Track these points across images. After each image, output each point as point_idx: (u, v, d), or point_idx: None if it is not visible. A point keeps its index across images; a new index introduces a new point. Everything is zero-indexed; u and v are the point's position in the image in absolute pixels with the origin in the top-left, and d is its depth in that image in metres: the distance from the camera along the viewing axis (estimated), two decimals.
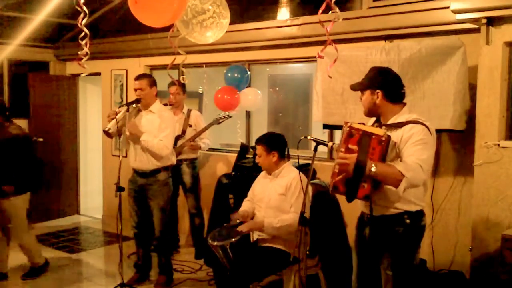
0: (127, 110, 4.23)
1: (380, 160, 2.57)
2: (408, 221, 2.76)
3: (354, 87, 2.92)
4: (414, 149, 2.61)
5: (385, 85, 2.79)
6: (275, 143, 3.81)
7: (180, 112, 5.35)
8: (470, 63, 3.68)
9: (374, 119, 2.91)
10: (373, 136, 2.56)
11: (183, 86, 5.28)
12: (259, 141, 3.83)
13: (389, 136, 2.62)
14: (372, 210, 2.78)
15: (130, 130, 4.27)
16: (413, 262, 2.83)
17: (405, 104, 2.83)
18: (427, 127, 2.68)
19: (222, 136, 6.43)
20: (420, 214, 2.81)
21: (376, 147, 2.55)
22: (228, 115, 5.16)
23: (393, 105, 2.79)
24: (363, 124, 2.75)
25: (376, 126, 2.80)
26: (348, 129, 2.61)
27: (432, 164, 2.70)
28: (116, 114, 4.21)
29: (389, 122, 2.78)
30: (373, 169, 2.50)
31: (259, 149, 3.80)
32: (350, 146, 2.57)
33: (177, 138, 5.16)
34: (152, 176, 4.41)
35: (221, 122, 5.19)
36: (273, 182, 3.80)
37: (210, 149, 5.63)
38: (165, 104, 5.19)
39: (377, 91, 2.78)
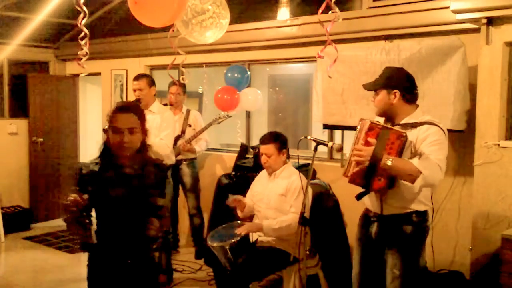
0: None
1: (399, 155, 2.59)
2: (415, 220, 2.79)
3: (369, 87, 2.90)
4: (431, 149, 2.64)
5: (403, 85, 2.79)
6: (284, 141, 3.78)
7: (179, 112, 5.35)
8: (470, 63, 3.68)
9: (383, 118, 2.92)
10: (393, 131, 2.60)
11: (183, 86, 5.27)
12: (269, 140, 3.72)
13: (406, 134, 2.65)
14: (382, 208, 2.80)
15: None
16: (419, 262, 2.84)
17: (418, 105, 2.84)
18: (441, 129, 2.71)
19: (222, 136, 6.43)
20: (426, 214, 2.84)
21: (394, 142, 2.58)
22: (227, 115, 5.15)
23: (408, 106, 2.80)
24: (378, 122, 2.78)
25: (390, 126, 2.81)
26: (368, 123, 2.63)
27: (446, 162, 2.72)
28: None
29: (402, 122, 2.79)
30: (388, 162, 2.53)
31: (270, 149, 3.68)
32: (369, 139, 2.60)
33: (177, 138, 5.16)
34: None
35: (221, 122, 5.18)
36: (273, 182, 3.79)
37: (210, 149, 5.63)
38: (165, 104, 5.19)
39: (395, 91, 2.77)
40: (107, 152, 2.49)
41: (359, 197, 2.77)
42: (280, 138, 3.77)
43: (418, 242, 2.85)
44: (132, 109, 2.51)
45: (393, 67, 2.96)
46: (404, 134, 2.61)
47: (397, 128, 2.69)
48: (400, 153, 2.61)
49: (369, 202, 2.91)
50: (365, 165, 2.59)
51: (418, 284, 2.82)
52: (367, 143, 2.61)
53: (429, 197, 2.84)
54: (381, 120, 2.91)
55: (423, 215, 2.82)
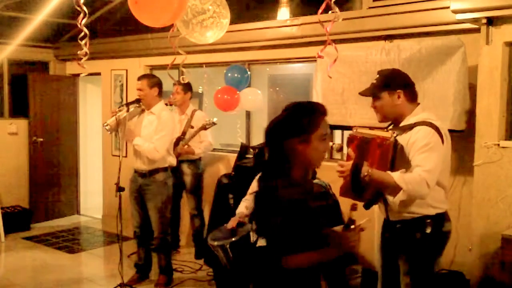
0: (127, 110, 4.25)
1: (384, 164, 2.49)
2: (429, 226, 2.66)
3: (368, 92, 2.75)
4: (420, 157, 2.51)
5: (404, 83, 2.68)
6: None
7: (184, 112, 5.30)
8: (470, 63, 3.68)
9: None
10: (372, 141, 2.50)
11: (186, 85, 5.23)
12: None
13: (395, 140, 2.52)
14: (388, 213, 2.74)
15: (126, 134, 4.32)
16: (432, 270, 2.72)
17: (418, 103, 2.75)
18: (437, 127, 2.56)
19: (222, 136, 6.42)
20: (441, 218, 2.70)
21: (376, 151, 2.48)
22: (213, 122, 5.06)
23: (411, 105, 2.69)
24: (368, 128, 2.71)
25: (390, 129, 2.72)
26: (348, 136, 2.57)
27: (439, 168, 2.57)
28: (118, 112, 4.26)
29: (401, 124, 2.68)
30: (367, 173, 2.43)
31: None
32: (348, 152, 2.54)
33: (178, 140, 5.11)
34: (151, 176, 4.42)
35: (208, 128, 5.12)
36: None
37: None
38: (166, 104, 5.17)
39: (398, 91, 2.65)
40: (303, 170, 1.98)
41: (367, 206, 2.66)
42: None
43: (432, 249, 2.70)
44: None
45: (387, 69, 2.85)
46: (385, 142, 2.47)
47: (383, 134, 2.56)
48: (388, 161, 2.50)
49: (377, 207, 2.83)
50: (347, 179, 2.50)
51: None
52: (348, 157, 2.53)
53: (441, 199, 2.70)
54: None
55: (436, 219, 2.66)
